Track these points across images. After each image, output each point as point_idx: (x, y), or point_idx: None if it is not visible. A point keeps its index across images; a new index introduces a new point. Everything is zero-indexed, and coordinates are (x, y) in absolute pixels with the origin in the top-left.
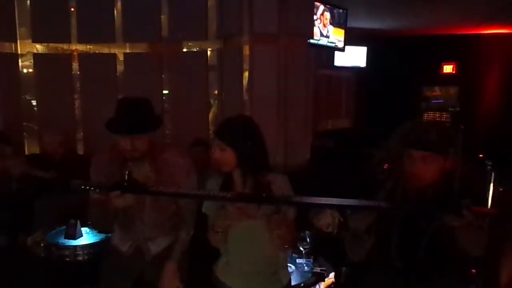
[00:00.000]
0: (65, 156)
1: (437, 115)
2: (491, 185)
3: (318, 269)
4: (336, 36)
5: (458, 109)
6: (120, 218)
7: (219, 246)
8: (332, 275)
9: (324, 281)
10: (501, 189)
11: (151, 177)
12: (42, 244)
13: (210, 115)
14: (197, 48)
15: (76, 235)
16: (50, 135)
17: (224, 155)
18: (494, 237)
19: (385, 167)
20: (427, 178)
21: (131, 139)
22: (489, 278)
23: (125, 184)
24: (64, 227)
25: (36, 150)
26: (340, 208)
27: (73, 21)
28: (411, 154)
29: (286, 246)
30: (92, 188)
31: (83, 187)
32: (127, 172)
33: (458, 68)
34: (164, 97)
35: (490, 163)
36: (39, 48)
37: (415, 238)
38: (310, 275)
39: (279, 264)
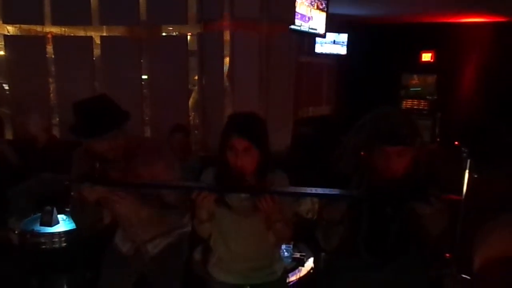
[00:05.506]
0: (49, 141)
1: (415, 103)
2: (467, 172)
3: (297, 255)
4: (317, 22)
5: (435, 97)
6: (118, 218)
7: (206, 237)
8: (311, 260)
9: (303, 266)
10: (475, 176)
11: (130, 174)
12: (16, 232)
13: (190, 101)
14: (177, 33)
15: (53, 222)
16: (35, 117)
17: (251, 157)
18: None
19: (362, 154)
20: (400, 171)
21: (107, 140)
22: (463, 262)
23: (96, 176)
24: (40, 214)
25: (9, 135)
26: (313, 197)
27: (47, 1)
28: (385, 150)
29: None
30: (62, 181)
31: (53, 179)
32: (97, 164)
33: (436, 56)
34: (143, 82)
35: (466, 151)
36: (10, 29)
37: (383, 227)
38: (290, 260)
39: (273, 257)
